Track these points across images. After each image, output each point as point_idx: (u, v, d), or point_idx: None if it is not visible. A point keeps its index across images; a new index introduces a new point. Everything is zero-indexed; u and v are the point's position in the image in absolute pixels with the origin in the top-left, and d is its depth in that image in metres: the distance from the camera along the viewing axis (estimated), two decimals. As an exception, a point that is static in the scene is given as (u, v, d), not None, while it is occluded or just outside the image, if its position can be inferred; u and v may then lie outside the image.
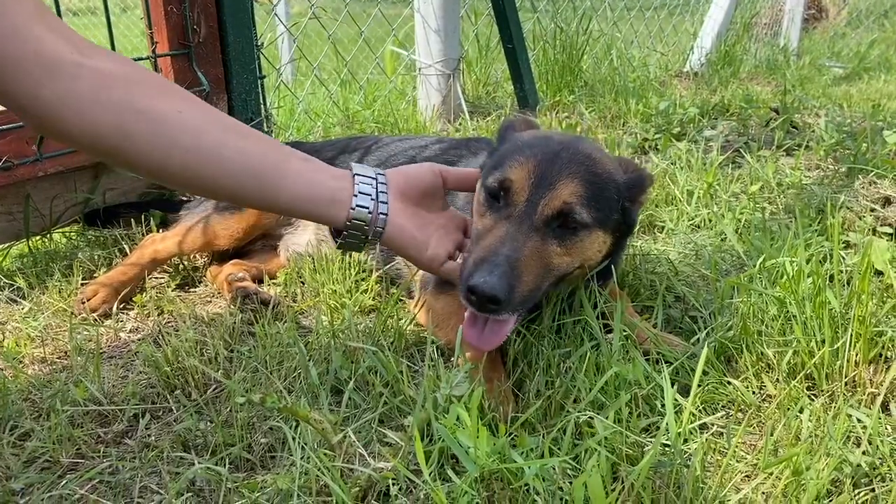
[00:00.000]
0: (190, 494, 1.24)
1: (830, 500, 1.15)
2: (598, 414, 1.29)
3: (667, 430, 1.19)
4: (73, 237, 2.40)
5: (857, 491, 1.18)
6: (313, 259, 2.07)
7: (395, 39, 4.65)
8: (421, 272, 1.86)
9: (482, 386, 1.31)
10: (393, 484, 1.21)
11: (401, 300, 1.91)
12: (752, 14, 6.83)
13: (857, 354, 1.47)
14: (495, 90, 4.56)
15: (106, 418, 1.47)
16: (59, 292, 1.99)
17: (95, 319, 1.88)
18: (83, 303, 1.90)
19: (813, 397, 1.44)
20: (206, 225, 2.09)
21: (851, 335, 1.46)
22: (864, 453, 1.24)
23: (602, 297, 1.65)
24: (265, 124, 2.91)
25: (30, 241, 2.28)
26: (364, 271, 2.00)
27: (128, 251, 2.23)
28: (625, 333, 1.53)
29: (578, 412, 1.31)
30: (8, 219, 2.26)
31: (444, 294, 1.71)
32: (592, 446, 1.20)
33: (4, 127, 2.08)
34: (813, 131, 3.49)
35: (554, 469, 1.17)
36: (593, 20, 4.99)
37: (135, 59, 2.77)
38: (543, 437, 1.27)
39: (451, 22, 3.87)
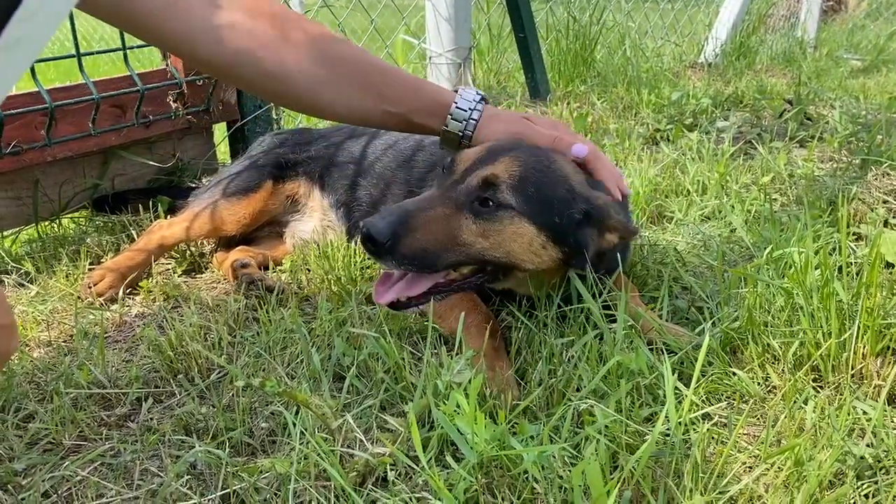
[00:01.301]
0: (190, 477, 1.24)
1: (832, 492, 1.14)
2: (599, 403, 1.28)
3: (667, 419, 1.18)
4: (82, 222, 2.42)
5: (859, 483, 1.17)
6: (319, 246, 2.07)
7: (406, 28, 4.63)
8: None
9: (483, 373, 1.31)
10: (391, 469, 1.20)
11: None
12: (770, 5, 6.76)
13: (864, 347, 1.45)
14: (506, 79, 4.54)
15: (109, 401, 1.48)
16: (67, 277, 2.00)
17: (101, 304, 1.89)
18: (89, 287, 1.91)
19: (818, 389, 1.43)
20: (213, 210, 2.09)
21: (859, 327, 1.44)
22: (868, 445, 1.22)
23: (607, 286, 1.64)
24: (274, 111, 2.91)
25: (39, 226, 2.30)
26: (369, 258, 1.99)
27: (135, 237, 2.23)
28: (629, 323, 1.52)
29: (579, 400, 1.30)
30: (17, 203, 2.28)
31: (448, 283, 1.70)
32: (592, 434, 1.19)
33: (13, 111, 2.09)
34: (827, 123, 3.45)
35: (553, 456, 1.16)
36: (607, 10, 4.95)
37: (142, 45, 2.78)
38: (544, 425, 1.26)
39: (463, 10, 3.85)
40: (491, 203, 1.42)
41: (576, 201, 1.47)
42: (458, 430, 1.17)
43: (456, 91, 1.66)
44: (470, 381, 1.24)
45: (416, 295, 1.48)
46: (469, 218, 1.43)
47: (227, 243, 2.20)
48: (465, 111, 1.63)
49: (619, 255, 1.63)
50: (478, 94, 1.66)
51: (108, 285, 1.93)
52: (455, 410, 1.20)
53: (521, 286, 1.64)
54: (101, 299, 1.90)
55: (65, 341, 1.72)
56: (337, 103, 1.61)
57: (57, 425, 1.37)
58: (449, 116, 1.63)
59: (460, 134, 1.64)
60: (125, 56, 2.38)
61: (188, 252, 2.20)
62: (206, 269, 2.17)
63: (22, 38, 0.64)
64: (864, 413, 1.31)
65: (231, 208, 2.10)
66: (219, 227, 2.10)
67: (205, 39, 1.46)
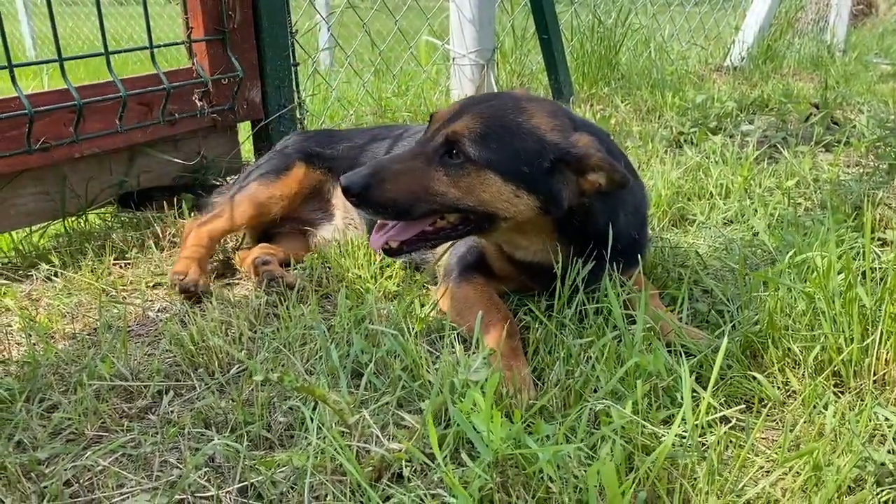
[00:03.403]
0: (208, 469, 1.26)
1: (851, 498, 1.12)
2: (615, 404, 1.28)
3: (683, 421, 1.18)
4: (108, 218, 2.45)
5: (879, 489, 1.15)
6: (339, 244, 2.08)
7: (430, 29, 4.64)
8: (444, 259, 1.86)
9: (500, 372, 1.31)
10: (407, 466, 1.21)
11: (425, 286, 1.91)
12: (797, 8, 6.68)
13: (887, 352, 1.43)
14: (530, 81, 4.53)
15: (131, 394, 1.50)
16: (92, 271, 2.03)
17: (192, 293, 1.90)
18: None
19: (839, 394, 1.41)
20: (252, 195, 2.11)
21: (882, 333, 1.42)
22: (889, 452, 1.21)
23: (626, 287, 1.63)
24: (298, 111, 2.93)
25: (66, 221, 2.33)
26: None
27: (160, 233, 2.26)
28: (648, 325, 1.51)
29: (596, 401, 1.30)
30: (46, 199, 2.32)
31: (467, 282, 1.71)
32: (608, 435, 1.19)
33: (43, 108, 2.13)
34: (854, 127, 3.41)
35: (569, 456, 1.16)
36: (633, 13, 4.93)
37: (169, 44, 2.82)
38: (560, 424, 1.26)
39: (487, 12, 3.85)
40: (456, 157, 1.52)
41: (545, 150, 1.53)
42: (474, 428, 1.18)
43: None
44: (487, 380, 1.24)
45: (406, 240, 1.59)
46: (440, 171, 1.53)
47: (254, 238, 2.21)
48: None
49: (634, 246, 1.65)
50: None
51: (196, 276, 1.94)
52: (471, 408, 1.20)
53: (515, 244, 1.68)
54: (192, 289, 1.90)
55: (89, 334, 1.74)
56: None
57: (80, 416, 1.39)
58: None
59: None
60: (152, 55, 2.42)
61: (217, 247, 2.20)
62: (229, 265, 2.19)
63: None
64: (886, 419, 1.30)
65: (269, 190, 2.12)
66: (261, 209, 2.11)
67: None
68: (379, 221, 1.62)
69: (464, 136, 1.51)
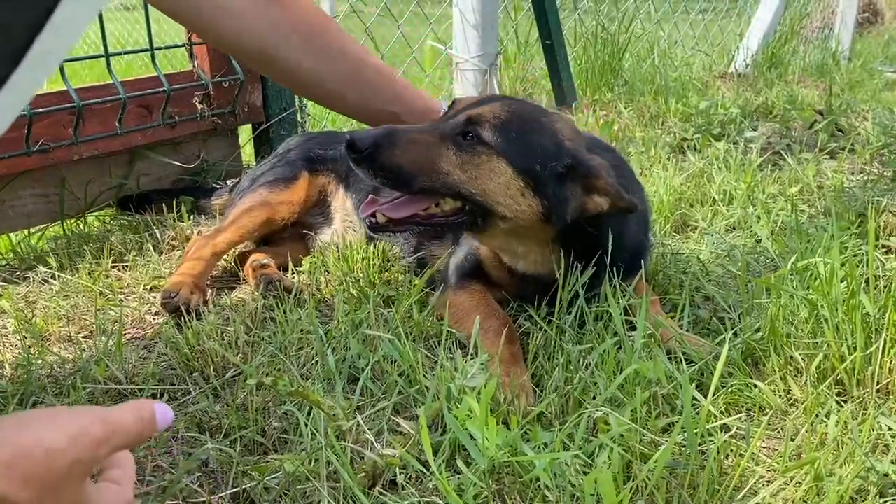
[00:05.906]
0: (201, 474, 1.24)
1: (853, 509, 1.11)
2: (614, 411, 1.26)
3: (683, 429, 1.16)
4: (107, 221, 2.44)
5: (882, 500, 1.14)
6: (338, 248, 2.07)
7: (433, 35, 4.64)
8: (441, 266, 1.85)
9: (497, 378, 1.29)
10: (401, 473, 1.19)
11: (424, 291, 1.90)
12: (802, 16, 6.66)
13: (891, 361, 1.41)
14: (533, 86, 4.52)
15: (125, 397, 1.48)
16: (89, 273, 2.02)
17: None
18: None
19: (842, 403, 1.39)
20: (263, 201, 2.08)
21: (885, 341, 1.41)
22: (892, 462, 1.19)
23: (627, 293, 1.61)
24: (299, 114, 2.92)
25: (64, 224, 2.32)
26: (388, 261, 1.99)
27: (159, 237, 2.25)
28: (649, 332, 1.49)
29: (594, 408, 1.28)
30: (45, 201, 2.31)
31: (464, 289, 1.70)
32: (606, 442, 1.17)
33: (42, 110, 2.12)
34: (859, 134, 3.39)
35: (566, 464, 1.14)
36: (636, 20, 4.92)
37: (169, 47, 2.81)
38: (557, 432, 1.24)
39: (490, 17, 3.84)
40: (471, 138, 1.48)
41: (561, 154, 1.50)
42: (470, 435, 1.16)
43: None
44: (483, 386, 1.23)
45: (396, 219, 1.54)
46: (451, 149, 1.49)
47: (253, 242, 2.20)
48: None
49: (636, 252, 1.63)
50: None
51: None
52: (468, 415, 1.18)
53: (512, 252, 1.66)
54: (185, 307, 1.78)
55: (84, 337, 1.73)
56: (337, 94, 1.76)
57: (72, 419, 1.37)
58: None
59: None
60: (152, 57, 2.41)
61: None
62: (226, 269, 2.18)
63: (47, 50, 0.65)
64: (890, 429, 1.28)
65: (280, 195, 2.09)
66: (269, 223, 2.08)
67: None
68: (370, 196, 1.60)
69: (486, 120, 1.49)
